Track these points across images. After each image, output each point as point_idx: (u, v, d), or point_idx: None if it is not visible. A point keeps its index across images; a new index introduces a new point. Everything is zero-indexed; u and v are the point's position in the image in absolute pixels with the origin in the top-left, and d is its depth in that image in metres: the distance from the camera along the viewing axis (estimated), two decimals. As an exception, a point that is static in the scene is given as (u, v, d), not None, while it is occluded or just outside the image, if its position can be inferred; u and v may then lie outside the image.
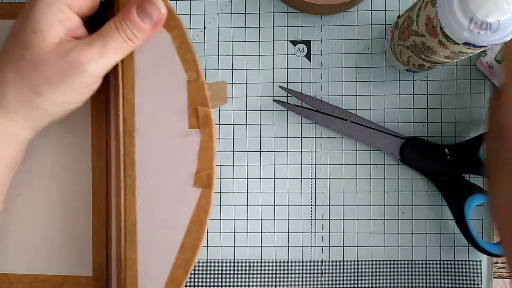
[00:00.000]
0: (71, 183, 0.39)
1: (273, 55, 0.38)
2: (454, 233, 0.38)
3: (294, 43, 0.38)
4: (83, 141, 0.37)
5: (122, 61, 0.34)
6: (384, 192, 0.39)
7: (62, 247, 0.39)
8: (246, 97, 0.39)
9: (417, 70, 0.35)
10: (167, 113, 0.36)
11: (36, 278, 0.39)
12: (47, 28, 0.31)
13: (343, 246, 0.39)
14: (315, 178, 0.39)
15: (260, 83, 0.39)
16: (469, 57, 0.37)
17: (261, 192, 0.39)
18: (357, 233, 0.39)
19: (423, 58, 0.32)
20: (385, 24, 0.38)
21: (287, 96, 0.38)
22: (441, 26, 0.26)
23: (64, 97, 0.33)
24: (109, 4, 0.35)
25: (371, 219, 0.39)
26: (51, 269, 0.39)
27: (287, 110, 0.38)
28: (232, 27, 0.38)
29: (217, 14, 0.38)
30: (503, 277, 0.39)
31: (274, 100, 0.38)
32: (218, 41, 0.39)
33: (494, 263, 0.39)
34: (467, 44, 0.26)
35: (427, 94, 0.38)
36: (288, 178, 0.39)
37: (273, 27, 0.38)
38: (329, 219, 0.39)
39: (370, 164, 0.39)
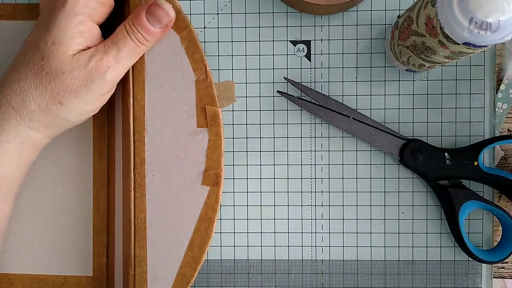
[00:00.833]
0: (72, 184, 0.39)
1: (273, 55, 0.38)
2: (454, 233, 0.38)
3: (294, 43, 0.38)
4: (84, 142, 0.37)
5: None
6: (384, 192, 0.39)
7: (63, 247, 0.39)
8: (246, 97, 0.39)
9: (417, 70, 0.35)
10: (176, 112, 0.36)
11: (36, 278, 0.39)
12: (69, 41, 0.31)
13: (343, 246, 0.39)
14: (315, 178, 0.39)
15: (260, 83, 0.39)
16: (469, 57, 0.37)
17: (261, 192, 0.39)
18: (357, 233, 0.39)
19: (423, 58, 0.32)
20: (385, 24, 0.38)
21: (288, 95, 0.38)
22: (441, 26, 0.26)
23: (84, 106, 0.33)
24: (118, 5, 0.35)
25: (371, 219, 0.39)
26: (52, 269, 0.39)
27: (287, 110, 0.38)
28: (232, 27, 0.38)
29: (217, 14, 0.38)
30: (503, 277, 0.39)
31: (278, 91, 0.38)
32: (218, 41, 0.39)
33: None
34: (467, 44, 0.26)
35: (427, 94, 0.38)
36: (288, 178, 0.39)
37: (273, 27, 0.38)
38: (329, 219, 0.39)
39: (370, 164, 0.39)
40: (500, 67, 0.38)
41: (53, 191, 0.39)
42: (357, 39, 0.38)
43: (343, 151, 0.39)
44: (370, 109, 0.38)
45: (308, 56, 0.38)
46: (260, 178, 0.39)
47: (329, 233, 0.39)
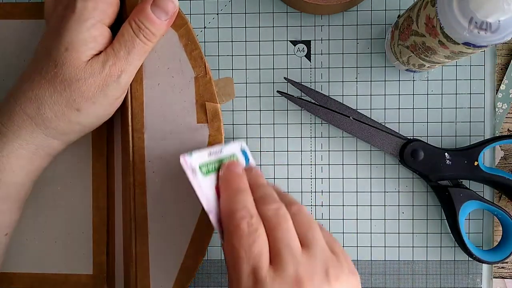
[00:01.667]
0: (71, 182, 0.39)
1: (273, 55, 0.38)
2: (454, 233, 0.38)
3: (294, 43, 0.38)
4: (83, 139, 0.37)
5: None
6: (384, 192, 0.39)
7: (63, 246, 0.39)
8: (246, 97, 0.39)
9: (417, 70, 0.35)
10: (176, 109, 0.36)
11: (37, 277, 0.39)
12: (82, 46, 0.31)
13: (343, 246, 0.39)
14: (315, 178, 0.39)
15: (260, 83, 0.39)
16: (469, 57, 0.37)
17: (261, 192, 0.39)
18: (357, 233, 0.39)
19: (423, 58, 0.32)
20: (385, 24, 0.38)
21: (288, 95, 0.38)
22: (441, 26, 0.26)
23: (100, 111, 0.33)
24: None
25: (371, 219, 0.39)
26: (52, 268, 0.39)
27: (287, 110, 0.38)
28: (232, 27, 0.38)
29: (217, 14, 0.38)
30: (503, 277, 0.39)
31: (278, 91, 0.38)
32: (218, 41, 0.39)
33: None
34: (467, 44, 0.26)
35: (427, 94, 0.38)
36: (288, 178, 0.39)
37: (273, 27, 0.38)
38: (329, 219, 0.39)
39: (370, 164, 0.39)
40: (500, 67, 0.38)
41: (53, 189, 0.39)
42: (357, 39, 0.38)
43: (343, 151, 0.39)
44: (370, 109, 0.38)
45: (308, 56, 0.38)
46: (260, 178, 0.39)
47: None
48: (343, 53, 0.38)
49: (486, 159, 0.38)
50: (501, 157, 0.38)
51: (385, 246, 0.39)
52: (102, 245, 0.38)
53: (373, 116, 0.38)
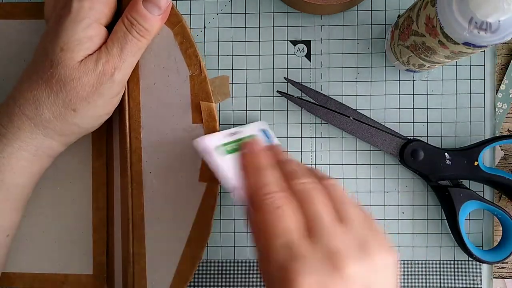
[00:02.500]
0: (71, 182, 0.39)
1: (273, 55, 0.38)
2: (454, 233, 0.38)
3: (294, 43, 0.38)
4: (83, 140, 0.37)
5: None
6: (384, 192, 0.39)
7: (63, 246, 0.39)
8: (246, 97, 0.39)
9: (417, 70, 0.35)
10: (172, 108, 0.36)
11: (37, 277, 0.39)
12: (76, 46, 0.31)
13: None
14: (315, 178, 0.39)
15: (260, 83, 0.39)
16: (469, 57, 0.37)
17: (261, 192, 0.39)
18: (357, 233, 0.39)
19: (423, 58, 0.32)
20: (385, 24, 0.38)
21: (288, 95, 0.38)
22: (441, 26, 0.26)
23: (97, 110, 0.33)
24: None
25: (371, 219, 0.39)
26: (52, 268, 0.39)
27: (287, 110, 0.38)
28: (232, 27, 0.38)
29: (217, 14, 0.38)
30: (503, 277, 0.39)
31: (278, 91, 0.38)
32: (218, 41, 0.39)
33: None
34: (467, 44, 0.26)
35: (427, 94, 0.38)
36: (288, 178, 0.39)
37: (273, 27, 0.38)
38: (329, 219, 0.39)
39: (370, 164, 0.39)
40: (500, 67, 0.38)
41: (53, 189, 0.39)
42: (357, 39, 0.38)
43: (343, 151, 0.39)
44: (370, 109, 0.38)
45: (308, 56, 0.38)
46: (260, 178, 0.39)
47: (329, 233, 0.39)
48: (343, 53, 0.38)
49: (486, 159, 0.38)
50: (501, 157, 0.38)
51: (385, 246, 0.39)
52: (102, 245, 0.38)
53: (373, 116, 0.38)
